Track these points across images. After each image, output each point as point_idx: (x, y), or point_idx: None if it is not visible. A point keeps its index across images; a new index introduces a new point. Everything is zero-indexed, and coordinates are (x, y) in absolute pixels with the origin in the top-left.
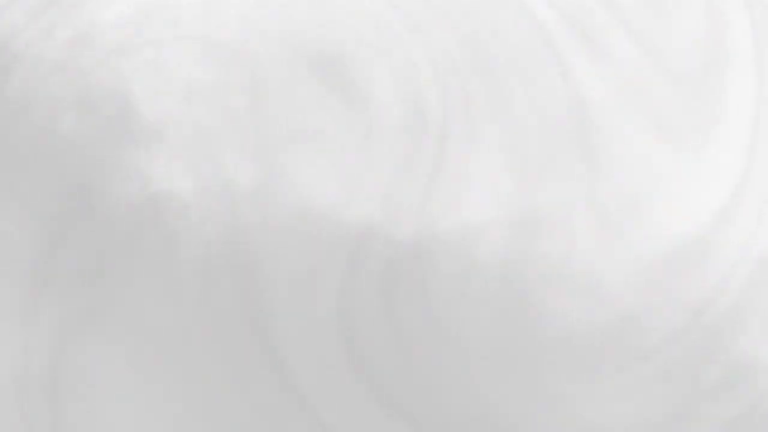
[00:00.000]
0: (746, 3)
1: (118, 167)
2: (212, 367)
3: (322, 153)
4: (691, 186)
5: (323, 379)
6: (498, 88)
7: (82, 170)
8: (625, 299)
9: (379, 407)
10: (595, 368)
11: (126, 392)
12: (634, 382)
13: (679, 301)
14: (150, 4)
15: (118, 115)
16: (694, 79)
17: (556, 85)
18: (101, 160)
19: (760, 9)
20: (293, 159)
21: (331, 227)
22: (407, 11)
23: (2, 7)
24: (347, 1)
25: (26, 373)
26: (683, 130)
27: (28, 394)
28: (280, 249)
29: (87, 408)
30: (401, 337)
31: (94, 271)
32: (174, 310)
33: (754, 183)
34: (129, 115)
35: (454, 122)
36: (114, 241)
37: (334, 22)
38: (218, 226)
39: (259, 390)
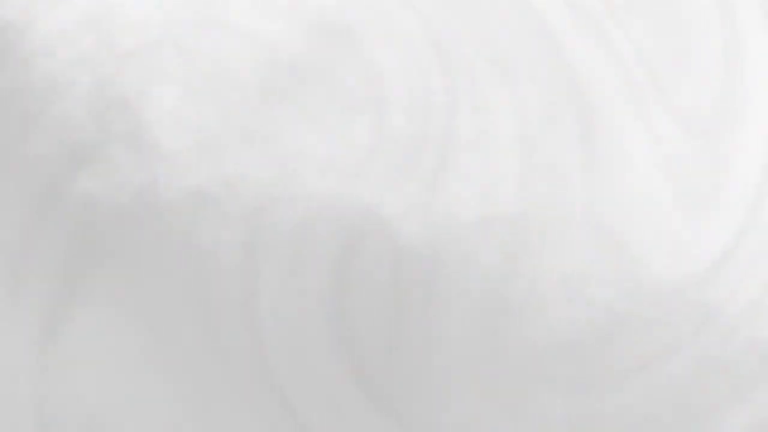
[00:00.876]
0: None
1: (119, 155)
2: (202, 346)
3: (328, 143)
4: (687, 209)
5: (312, 376)
6: (505, 79)
7: (80, 154)
8: (621, 308)
9: (376, 411)
10: (590, 379)
11: (113, 355)
12: (631, 393)
13: (679, 312)
14: None
15: (123, 108)
16: (704, 117)
17: (560, 88)
18: (102, 144)
19: None
20: (297, 148)
21: (331, 219)
22: (416, 1)
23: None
24: None
25: (15, 339)
26: (690, 164)
27: (15, 348)
28: (277, 239)
29: (74, 373)
30: (401, 338)
31: (80, 256)
32: (168, 298)
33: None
34: (133, 106)
35: (461, 117)
36: (108, 226)
37: (343, 7)
38: (218, 215)
39: (249, 385)
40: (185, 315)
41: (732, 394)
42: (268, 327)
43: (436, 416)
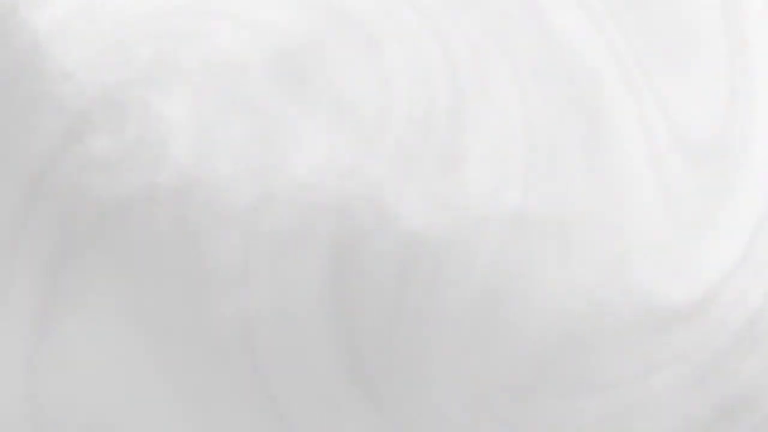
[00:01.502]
0: None
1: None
2: (199, 347)
3: (329, 140)
4: (687, 228)
5: (309, 376)
6: (511, 77)
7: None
8: (618, 312)
9: (376, 411)
10: (591, 380)
11: (107, 337)
12: (631, 397)
13: (679, 322)
14: None
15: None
16: (706, 145)
17: (565, 88)
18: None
19: None
20: (298, 144)
21: (331, 216)
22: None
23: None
24: None
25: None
26: (690, 176)
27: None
28: (275, 237)
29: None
30: (401, 337)
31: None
32: (163, 296)
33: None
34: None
35: (465, 114)
36: (102, 222)
37: (347, 2)
38: (217, 212)
39: (244, 385)
40: (181, 313)
41: (736, 400)
42: (264, 326)
43: (435, 418)
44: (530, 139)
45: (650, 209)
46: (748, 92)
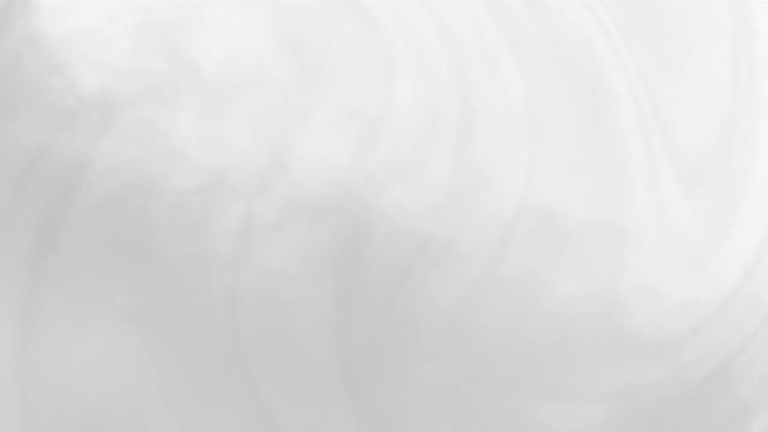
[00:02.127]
0: None
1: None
2: (189, 344)
3: (330, 136)
4: (702, 234)
5: (299, 377)
6: (516, 73)
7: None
8: (622, 315)
9: (365, 412)
10: (582, 388)
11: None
12: (626, 408)
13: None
14: None
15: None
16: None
17: (575, 90)
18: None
19: None
20: (296, 140)
21: (331, 214)
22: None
23: None
24: None
25: None
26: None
27: None
28: (272, 234)
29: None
30: (400, 336)
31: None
32: (155, 293)
33: None
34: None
35: (470, 109)
36: (92, 216)
37: None
38: (212, 206)
39: (230, 385)
40: (174, 309)
41: (736, 411)
42: (261, 325)
43: (425, 419)
44: (533, 140)
45: (650, 213)
46: (751, 106)
